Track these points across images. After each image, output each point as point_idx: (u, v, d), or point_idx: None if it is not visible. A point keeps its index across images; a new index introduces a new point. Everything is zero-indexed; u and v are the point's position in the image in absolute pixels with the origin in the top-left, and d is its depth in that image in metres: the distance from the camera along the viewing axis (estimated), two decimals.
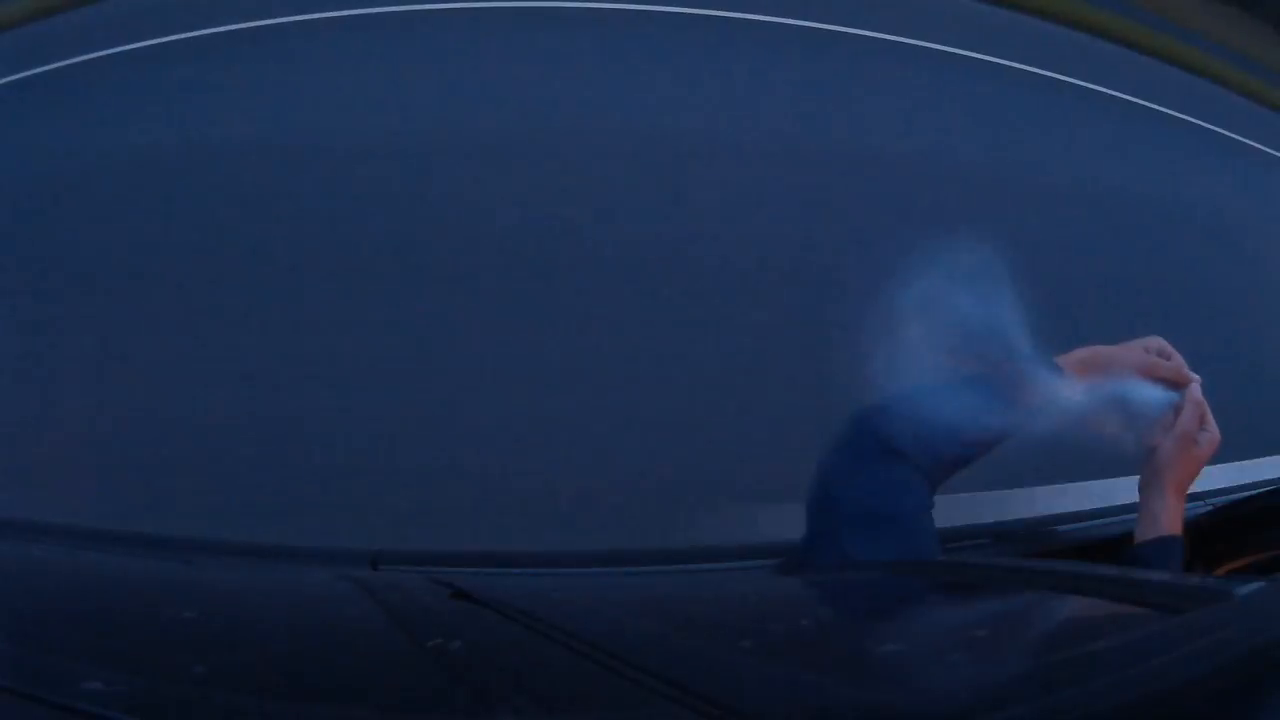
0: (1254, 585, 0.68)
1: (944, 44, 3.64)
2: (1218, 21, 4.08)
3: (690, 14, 3.46)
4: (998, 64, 3.66)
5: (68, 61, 3.07)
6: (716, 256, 2.73)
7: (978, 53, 3.67)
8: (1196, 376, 1.06)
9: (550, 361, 2.39)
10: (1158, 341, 1.06)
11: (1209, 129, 3.79)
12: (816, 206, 2.88)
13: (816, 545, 0.93)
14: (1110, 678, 0.56)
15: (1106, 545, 1.13)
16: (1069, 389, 1.01)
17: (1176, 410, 1.04)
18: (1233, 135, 3.80)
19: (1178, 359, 1.06)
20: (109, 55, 3.08)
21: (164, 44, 3.15)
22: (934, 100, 3.46)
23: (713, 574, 1.06)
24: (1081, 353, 1.04)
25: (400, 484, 2.11)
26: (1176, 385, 1.05)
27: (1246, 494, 1.22)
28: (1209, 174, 3.64)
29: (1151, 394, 1.05)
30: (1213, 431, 1.05)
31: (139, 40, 3.16)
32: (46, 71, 3.05)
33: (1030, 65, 3.74)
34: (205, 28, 3.18)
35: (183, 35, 3.17)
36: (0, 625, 0.68)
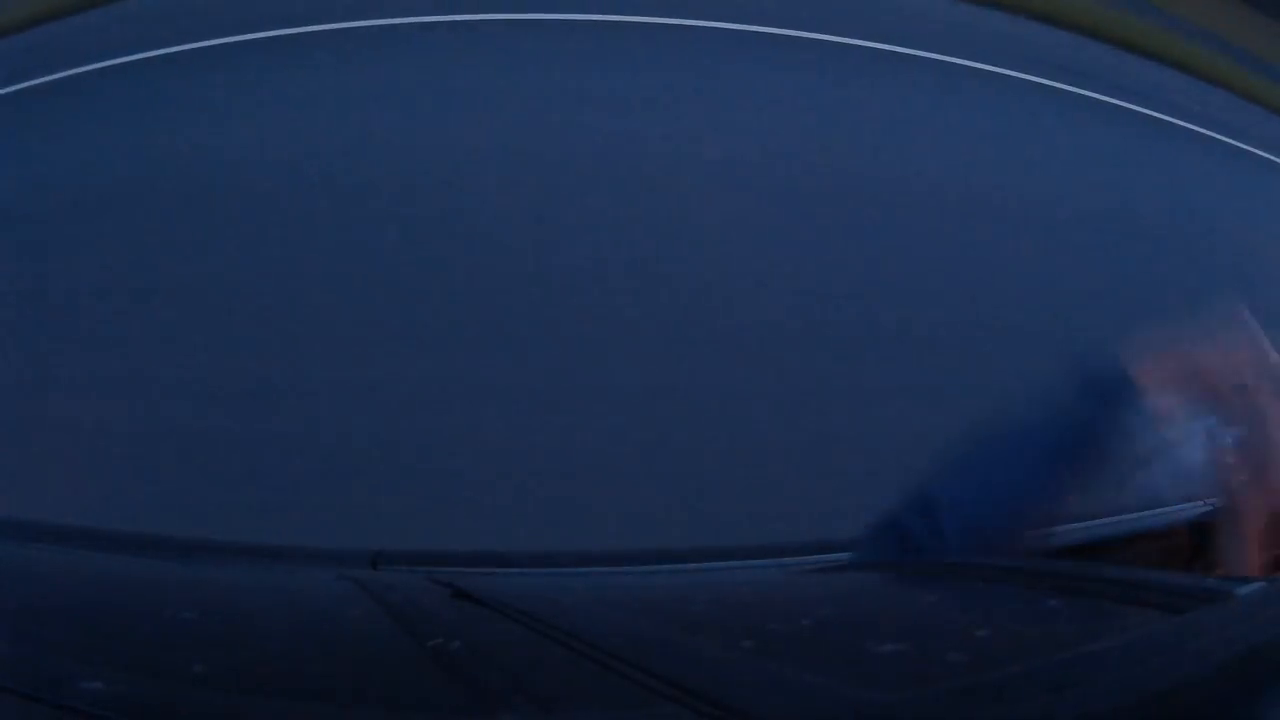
0: (1254, 585, 0.68)
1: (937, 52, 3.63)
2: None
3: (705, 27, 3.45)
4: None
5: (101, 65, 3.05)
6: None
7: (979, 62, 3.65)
8: None
9: (552, 363, 2.38)
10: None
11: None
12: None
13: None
14: (1110, 678, 0.56)
15: (1107, 545, 1.12)
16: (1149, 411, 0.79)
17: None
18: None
19: None
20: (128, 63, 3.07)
21: (169, 53, 3.14)
22: (931, 111, 3.45)
23: (713, 574, 1.06)
24: (1168, 360, 0.80)
25: (400, 484, 2.10)
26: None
27: None
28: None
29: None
30: None
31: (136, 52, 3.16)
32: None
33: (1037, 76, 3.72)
34: (207, 37, 3.17)
35: (180, 47, 3.16)
36: (0, 625, 0.68)
